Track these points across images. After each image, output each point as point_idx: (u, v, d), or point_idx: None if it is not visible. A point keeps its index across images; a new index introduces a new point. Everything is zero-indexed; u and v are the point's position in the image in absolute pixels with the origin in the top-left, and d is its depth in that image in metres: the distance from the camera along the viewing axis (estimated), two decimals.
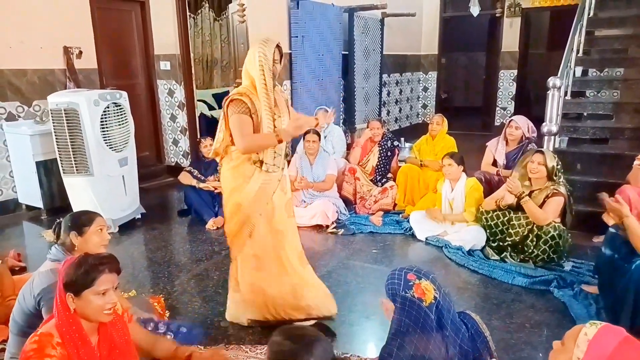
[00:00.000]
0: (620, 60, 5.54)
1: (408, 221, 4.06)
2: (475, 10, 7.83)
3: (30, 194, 4.43)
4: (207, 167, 4.50)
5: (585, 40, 5.07)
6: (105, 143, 3.90)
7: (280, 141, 2.34)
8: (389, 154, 4.71)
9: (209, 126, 6.30)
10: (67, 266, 1.64)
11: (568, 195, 3.25)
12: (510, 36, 8.34)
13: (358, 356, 2.28)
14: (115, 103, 3.97)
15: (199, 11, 7.69)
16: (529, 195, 3.28)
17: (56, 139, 3.86)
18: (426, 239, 3.83)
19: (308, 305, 2.52)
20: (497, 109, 8.70)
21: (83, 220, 2.07)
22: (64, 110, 3.76)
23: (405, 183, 4.54)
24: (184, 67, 5.79)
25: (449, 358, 1.71)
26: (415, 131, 7.80)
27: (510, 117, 5.05)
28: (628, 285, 2.32)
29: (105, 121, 3.87)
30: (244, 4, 5.51)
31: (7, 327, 2.04)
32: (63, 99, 3.80)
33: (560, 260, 3.27)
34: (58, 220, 2.12)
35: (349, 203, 4.59)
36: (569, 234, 3.29)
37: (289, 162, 4.48)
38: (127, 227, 4.16)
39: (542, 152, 3.33)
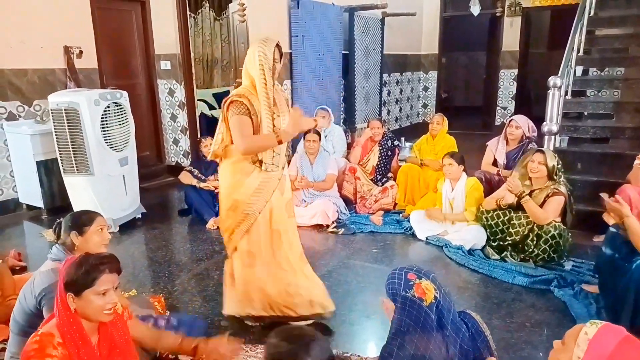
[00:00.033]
0: (621, 60, 5.54)
1: (408, 221, 4.06)
2: (475, 9, 7.83)
3: (31, 194, 4.44)
4: (207, 166, 4.50)
5: (586, 40, 5.07)
6: (106, 143, 3.90)
7: (280, 142, 2.34)
8: (389, 153, 4.71)
9: (209, 126, 6.30)
10: (67, 266, 1.64)
11: (568, 194, 3.25)
12: (511, 35, 8.34)
13: (358, 355, 2.29)
14: (115, 103, 3.97)
15: (200, 11, 7.69)
16: (530, 194, 3.28)
17: (57, 138, 3.86)
18: (426, 238, 3.83)
19: (304, 302, 2.51)
20: (498, 108, 8.70)
21: (83, 220, 2.07)
22: (65, 109, 3.76)
23: (406, 182, 4.54)
24: (184, 66, 5.79)
25: (450, 357, 1.71)
26: (416, 131, 7.80)
27: (510, 116, 5.06)
28: (628, 284, 2.32)
29: (106, 121, 3.88)
30: (244, 4, 5.51)
31: (8, 326, 2.04)
32: (63, 99, 3.80)
33: (560, 260, 3.27)
34: (58, 220, 2.12)
35: (349, 202, 4.59)
36: (570, 234, 3.29)
37: (289, 162, 4.48)
38: (127, 227, 4.16)
39: (542, 152, 3.33)
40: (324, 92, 6.21)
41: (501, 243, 3.46)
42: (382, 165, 4.69)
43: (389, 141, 4.74)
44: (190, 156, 5.92)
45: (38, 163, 4.29)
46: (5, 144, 4.39)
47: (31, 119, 4.47)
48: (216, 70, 8.12)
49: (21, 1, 4.33)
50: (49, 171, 4.33)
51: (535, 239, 3.23)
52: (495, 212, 3.48)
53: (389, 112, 8.41)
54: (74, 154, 3.84)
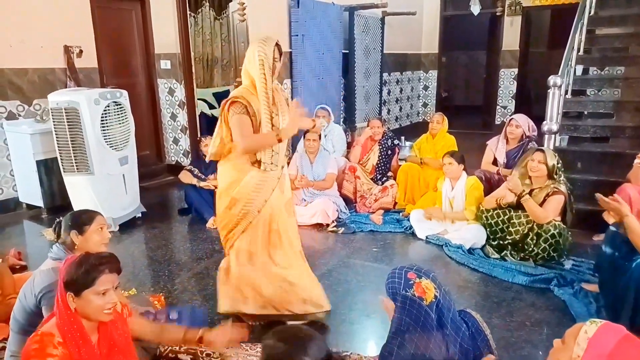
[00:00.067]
0: (621, 59, 5.53)
1: (408, 220, 4.06)
2: (475, 8, 7.83)
3: (31, 193, 4.44)
4: (207, 166, 4.50)
5: (586, 39, 5.06)
6: (106, 142, 3.90)
7: (279, 140, 2.34)
8: (389, 152, 4.71)
9: (209, 125, 6.29)
10: (67, 265, 1.64)
11: (568, 193, 3.25)
12: (511, 35, 8.34)
13: (358, 354, 2.29)
14: (115, 102, 3.97)
15: (200, 10, 7.68)
16: (529, 193, 3.29)
17: (56, 137, 3.86)
18: (426, 237, 3.83)
19: (298, 300, 2.50)
20: (498, 107, 8.70)
21: (83, 219, 2.07)
22: (65, 109, 3.76)
23: (406, 182, 4.54)
24: (184, 66, 5.79)
25: (450, 357, 1.71)
26: (416, 130, 7.80)
27: (510, 115, 5.05)
28: (628, 283, 2.32)
29: (106, 120, 3.88)
30: (244, 3, 5.50)
31: (8, 325, 2.04)
32: (63, 98, 3.80)
33: (560, 259, 3.27)
34: (58, 219, 2.13)
35: (349, 202, 4.59)
36: (569, 233, 3.30)
37: (289, 161, 4.48)
38: (127, 226, 4.16)
39: (542, 151, 3.33)
40: (324, 92, 6.21)
41: (501, 242, 3.46)
42: (382, 164, 4.69)
43: (389, 140, 4.74)
44: (190, 155, 5.92)
45: (38, 162, 4.29)
46: (5, 143, 4.39)
47: (31, 118, 4.47)
48: (216, 69, 8.11)
49: (21, 1, 4.33)
50: (49, 170, 4.33)
51: (535, 238, 3.23)
52: (495, 211, 3.48)
53: (389, 111, 8.41)
54: (73, 153, 3.84)
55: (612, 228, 2.64)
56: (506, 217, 3.42)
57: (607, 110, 4.76)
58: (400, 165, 4.73)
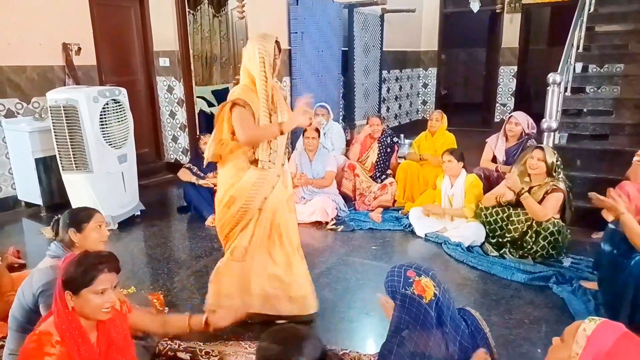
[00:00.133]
0: (621, 56, 5.53)
1: (407, 218, 4.06)
2: (475, 6, 7.82)
3: (30, 191, 4.43)
4: (207, 163, 4.49)
5: (586, 36, 5.06)
6: (105, 140, 3.89)
7: (282, 132, 2.32)
8: (388, 150, 4.70)
9: (208, 123, 6.29)
10: (66, 264, 1.64)
11: (567, 191, 3.25)
12: (511, 32, 8.32)
13: (357, 352, 2.29)
14: (114, 100, 3.96)
15: (198, 7, 7.66)
16: (529, 191, 3.28)
17: (55, 135, 3.85)
18: (425, 235, 3.83)
19: (284, 297, 2.49)
20: (497, 105, 8.68)
21: (81, 217, 2.07)
22: (63, 107, 3.76)
23: (405, 179, 4.53)
24: (183, 63, 5.78)
25: (449, 355, 1.71)
26: (415, 128, 7.79)
27: (510, 113, 5.05)
28: (627, 281, 2.32)
29: (105, 118, 3.87)
30: (243, 0, 5.49)
31: (6, 323, 2.04)
32: (62, 96, 3.80)
33: (559, 257, 3.27)
34: (56, 217, 2.12)
35: (348, 199, 4.58)
36: (568, 230, 3.30)
37: (288, 157, 4.47)
38: (126, 224, 4.16)
39: (541, 148, 3.32)
40: (323, 89, 6.20)
41: (500, 240, 3.46)
42: (381, 162, 4.69)
43: (388, 138, 4.73)
44: (189, 153, 5.91)
45: (37, 160, 4.28)
46: (3, 141, 4.39)
47: (30, 116, 4.46)
48: (215, 67, 8.10)
49: None
50: (47, 168, 4.33)
51: (534, 235, 3.23)
52: (494, 209, 3.48)
53: (388, 109, 8.40)
54: (72, 151, 3.83)
55: (611, 226, 2.64)
56: (505, 214, 3.41)
57: (606, 107, 4.75)
58: (399, 163, 4.73)
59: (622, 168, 3.53)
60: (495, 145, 4.34)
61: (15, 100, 4.41)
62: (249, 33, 5.48)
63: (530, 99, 8.81)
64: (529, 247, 3.26)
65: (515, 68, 8.44)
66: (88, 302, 1.59)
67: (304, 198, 4.37)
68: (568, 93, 4.64)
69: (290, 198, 2.60)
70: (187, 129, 5.94)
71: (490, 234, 3.52)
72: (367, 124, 4.87)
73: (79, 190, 3.96)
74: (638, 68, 4.93)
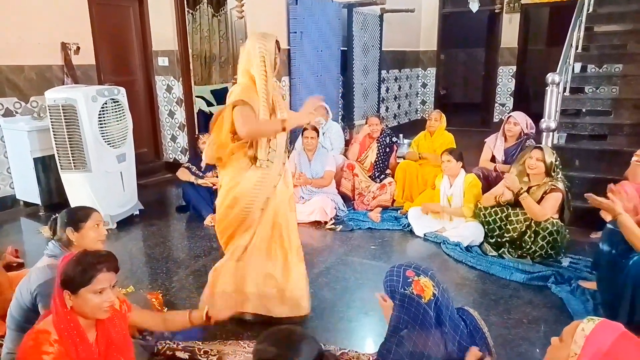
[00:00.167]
0: (619, 56, 5.53)
1: (406, 217, 4.06)
2: (474, 6, 7.82)
3: (28, 190, 4.42)
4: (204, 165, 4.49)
5: (585, 36, 5.06)
6: (103, 139, 3.88)
7: (283, 129, 2.29)
8: (387, 150, 4.70)
9: (207, 122, 6.18)
10: (65, 263, 1.64)
11: (566, 191, 3.25)
12: (510, 32, 8.33)
13: (356, 352, 2.28)
14: (113, 99, 3.95)
15: (198, 7, 7.66)
16: (527, 191, 3.28)
17: (54, 135, 3.85)
18: (424, 235, 3.83)
19: (275, 297, 2.48)
20: (496, 105, 8.69)
21: (79, 216, 2.07)
22: (62, 106, 3.75)
23: (404, 179, 4.53)
24: (182, 63, 5.78)
25: (448, 354, 1.72)
26: (414, 127, 7.79)
27: (509, 113, 5.05)
28: (626, 281, 2.32)
29: (103, 117, 3.86)
30: (242, 0, 5.48)
31: (4, 322, 2.04)
32: (61, 95, 3.79)
33: (558, 256, 3.27)
34: (54, 216, 2.12)
35: (347, 199, 4.58)
36: (567, 230, 3.30)
37: (288, 156, 4.46)
38: (125, 224, 4.16)
39: (540, 148, 3.32)
40: (322, 89, 6.20)
41: (499, 240, 3.46)
42: (380, 162, 4.69)
43: (387, 138, 4.73)
44: (188, 153, 5.91)
45: (35, 160, 4.28)
46: (2, 140, 4.38)
47: (28, 115, 4.45)
48: (214, 66, 8.09)
49: None
50: (46, 168, 4.32)
51: (532, 235, 3.24)
52: (493, 209, 3.48)
53: (387, 108, 8.41)
54: (71, 151, 3.83)
55: (609, 226, 2.64)
56: (504, 214, 3.42)
57: (605, 107, 4.76)
58: (398, 163, 4.73)
59: (621, 168, 3.53)
60: (494, 145, 4.35)
61: (14, 100, 4.40)
62: (248, 33, 5.48)
63: (529, 99, 8.81)
64: (528, 247, 3.26)
65: (514, 68, 8.45)
66: (87, 301, 1.59)
67: (303, 198, 4.37)
68: (567, 93, 4.64)
69: (292, 197, 2.60)
70: (186, 129, 5.94)
71: (489, 234, 3.52)
72: (366, 123, 4.87)
73: (78, 189, 3.95)
74: (637, 68, 4.94)
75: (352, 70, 6.76)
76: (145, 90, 5.90)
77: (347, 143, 5.63)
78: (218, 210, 2.50)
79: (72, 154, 3.83)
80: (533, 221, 3.23)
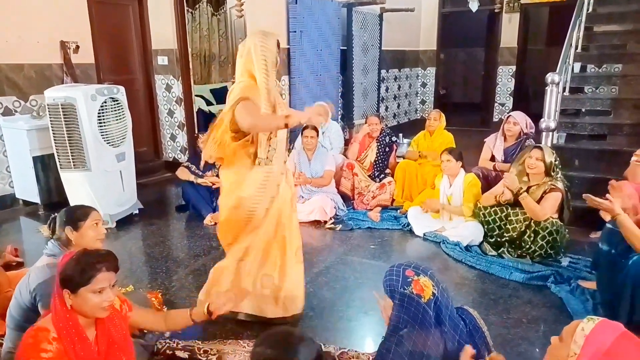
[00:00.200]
0: (619, 56, 5.53)
1: (406, 217, 4.06)
2: (474, 5, 7.82)
3: (28, 189, 4.42)
4: (205, 162, 4.48)
5: (584, 36, 5.06)
6: (103, 138, 3.88)
7: (286, 125, 2.24)
8: (387, 149, 4.70)
9: (207, 122, 6.20)
10: (64, 262, 1.63)
11: (566, 191, 3.25)
12: (509, 32, 8.33)
13: (356, 351, 2.28)
14: (112, 98, 3.95)
15: (197, 6, 7.65)
16: (527, 190, 3.28)
17: (53, 134, 3.84)
18: (424, 234, 3.83)
19: (270, 298, 2.48)
20: (496, 104, 8.69)
21: (78, 215, 2.06)
22: (61, 105, 3.74)
23: (404, 179, 4.54)
24: (181, 62, 5.77)
25: (448, 354, 1.71)
26: (414, 127, 7.79)
27: (508, 112, 5.05)
28: (625, 280, 2.33)
29: (103, 116, 3.86)
30: None
31: (4, 321, 2.04)
32: (60, 94, 3.78)
33: (557, 256, 3.27)
34: (53, 216, 2.11)
35: (347, 199, 4.58)
36: (567, 230, 3.30)
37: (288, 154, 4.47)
38: (124, 223, 4.15)
39: (540, 148, 3.32)
40: (321, 88, 6.20)
41: (498, 239, 3.46)
42: (380, 161, 4.69)
43: (387, 137, 4.73)
44: (187, 152, 5.90)
45: (34, 158, 4.27)
46: (1, 139, 4.37)
47: (27, 114, 4.45)
48: (214, 65, 8.08)
49: None
50: (45, 167, 4.32)
51: (532, 235, 3.24)
52: (493, 209, 3.48)
53: (387, 108, 8.40)
54: (70, 150, 3.82)
55: (609, 225, 2.64)
56: (503, 214, 3.42)
57: (604, 107, 4.76)
58: (398, 162, 4.73)
59: (620, 168, 3.53)
60: (494, 145, 4.35)
61: (13, 98, 4.40)
62: (248, 32, 5.48)
63: (528, 98, 8.82)
64: (527, 246, 3.26)
65: (514, 68, 8.45)
66: (86, 301, 1.58)
67: (303, 197, 4.37)
68: (566, 93, 4.64)
69: (294, 197, 2.59)
70: (185, 128, 5.93)
71: (489, 234, 3.53)
72: (365, 123, 4.87)
73: (77, 188, 3.95)
74: (636, 68, 4.94)
75: (351, 70, 6.76)
76: (145, 89, 5.90)
77: (347, 142, 5.63)
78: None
79: (71, 152, 3.83)
80: (532, 221, 3.24)
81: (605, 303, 2.60)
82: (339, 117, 6.75)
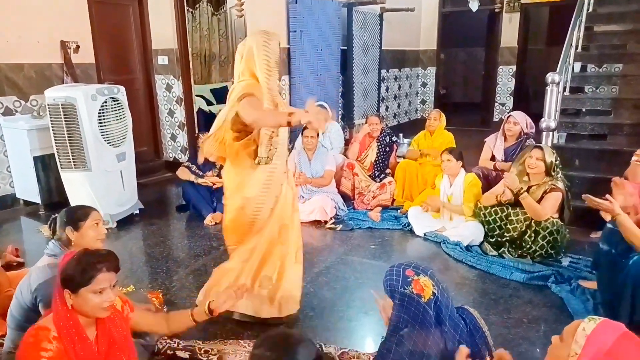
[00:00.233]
0: (619, 56, 5.53)
1: (406, 217, 4.06)
2: (474, 5, 7.82)
3: (28, 189, 4.42)
4: (205, 162, 4.48)
5: (584, 36, 5.06)
6: (103, 138, 3.88)
7: (289, 123, 2.19)
8: (387, 149, 4.70)
9: (207, 121, 6.26)
10: (65, 262, 1.63)
11: (566, 190, 3.25)
12: (509, 32, 8.32)
13: (356, 351, 2.28)
14: (112, 98, 3.95)
15: (197, 5, 7.65)
16: (527, 190, 3.28)
17: (53, 133, 3.84)
18: (424, 234, 3.83)
19: (265, 298, 2.47)
20: (496, 104, 8.69)
21: (78, 215, 2.07)
22: (62, 105, 3.74)
23: (404, 179, 4.54)
24: (182, 62, 5.77)
25: (448, 353, 1.71)
26: (414, 127, 7.79)
27: (508, 112, 5.05)
28: (626, 280, 2.33)
29: (103, 116, 3.86)
30: None
31: (5, 321, 2.04)
32: (60, 94, 3.78)
33: (558, 256, 3.27)
34: (54, 216, 2.12)
35: (347, 199, 4.58)
36: (567, 230, 3.30)
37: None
38: (125, 223, 4.15)
39: (540, 148, 3.32)
40: (322, 88, 6.19)
41: (499, 239, 3.46)
42: (380, 161, 4.68)
43: (387, 137, 4.73)
44: (187, 152, 5.90)
45: (35, 158, 4.27)
46: (2, 139, 4.37)
47: (28, 114, 4.45)
48: (214, 65, 8.09)
49: None
50: (46, 167, 4.32)
51: (532, 235, 3.24)
52: (493, 208, 3.48)
53: (387, 108, 8.40)
54: (71, 150, 3.82)
55: (609, 225, 2.64)
56: (504, 214, 3.42)
57: (605, 107, 4.76)
58: (398, 162, 4.73)
59: (621, 168, 3.53)
60: (494, 145, 4.35)
61: (14, 98, 4.40)
62: (248, 31, 5.48)
63: (529, 98, 8.81)
64: (528, 246, 3.26)
65: (514, 68, 8.45)
66: (87, 301, 1.58)
67: (303, 197, 4.37)
68: (567, 93, 4.64)
69: (295, 197, 2.59)
70: (185, 128, 5.93)
71: (489, 234, 3.52)
72: (366, 123, 4.87)
73: (78, 188, 3.95)
74: (636, 68, 4.94)
75: (351, 70, 6.75)
76: (145, 89, 5.90)
77: (347, 142, 5.63)
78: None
79: (71, 152, 3.83)
80: (533, 221, 3.23)
81: (605, 303, 2.60)
82: (339, 116, 6.75)
